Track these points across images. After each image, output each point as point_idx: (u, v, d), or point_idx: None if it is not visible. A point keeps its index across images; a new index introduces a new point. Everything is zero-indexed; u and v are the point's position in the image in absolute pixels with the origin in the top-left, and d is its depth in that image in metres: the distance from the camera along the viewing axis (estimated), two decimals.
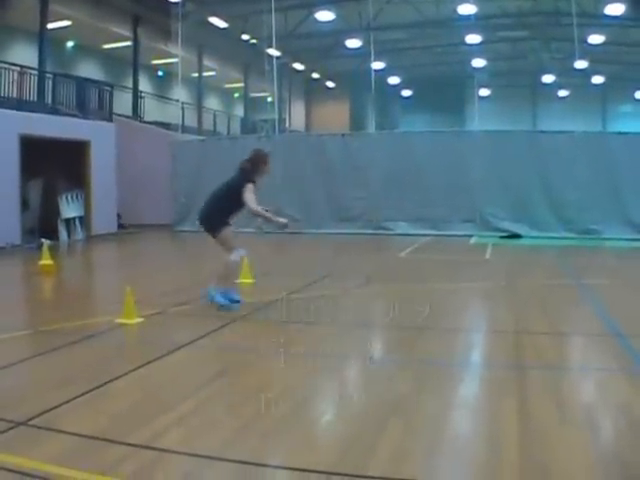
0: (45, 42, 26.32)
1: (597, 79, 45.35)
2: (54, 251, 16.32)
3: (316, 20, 34.94)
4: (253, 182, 9.88)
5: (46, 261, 14.17)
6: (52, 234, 20.80)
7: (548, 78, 45.75)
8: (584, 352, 7.86)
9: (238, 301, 9.93)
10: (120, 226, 24.97)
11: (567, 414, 5.34)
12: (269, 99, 37.39)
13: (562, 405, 5.53)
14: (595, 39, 34.39)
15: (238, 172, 10.10)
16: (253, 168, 10.07)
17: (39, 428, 4.93)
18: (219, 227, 9.77)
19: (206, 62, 40.67)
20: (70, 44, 32.48)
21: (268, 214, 10.08)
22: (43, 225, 21.40)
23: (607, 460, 4.50)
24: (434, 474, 4.32)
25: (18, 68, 22.99)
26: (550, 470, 4.23)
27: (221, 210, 9.85)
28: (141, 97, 34.04)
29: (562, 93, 47.31)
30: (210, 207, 9.93)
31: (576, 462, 4.37)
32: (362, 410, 5.58)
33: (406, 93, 54.50)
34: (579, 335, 8.67)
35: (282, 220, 10.14)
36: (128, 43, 33.60)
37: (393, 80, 49.33)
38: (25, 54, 26.60)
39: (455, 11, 33.19)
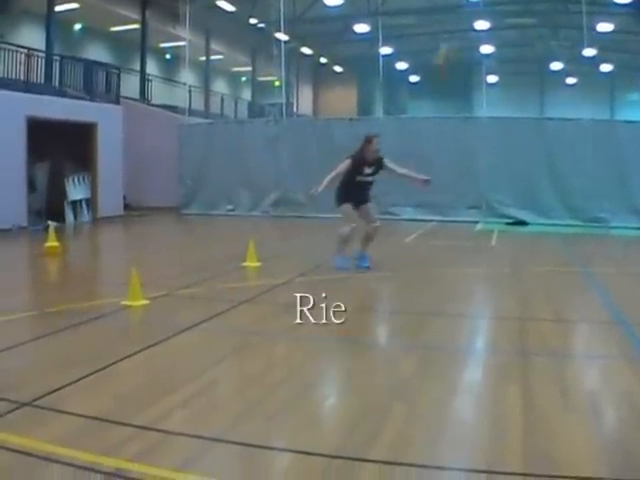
0: (53, 24, 26.29)
1: (605, 67, 45.16)
2: (60, 233, 16.34)
3: (324, 4, 34.81)
4: (351, 158, 11.61)
5: (52, 243, 14.18)
6: (58, 216, 20.81)
7: (556, 65, 45.56)
8: (588, 339, 7.86)
9: (366, 267, 11.91)
10: (126, 206, 24.96)
11: (571, 401, 5.35)
12: (277, 83, 37.30)
13: (566, 392, 5.53)
14: (604, 27, 34.19)
15: None
16: (361, 147, 11.73)
17: (43, 409, 4.95)
18: (337, 203, 11.82)
19: (214, 46, 40.59)
20: (78, 26, 32.41)
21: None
22: (50, 207, 21.41)
23: (610, 448, 4.50)
24: (437, 459, 4.32)
25: (26, 50, 22.96)
26: (553, 457, 4.23)
27: (337, 188, 11.75)
28: (148, 80, 33.99)
29: (570, 81, 47.09)
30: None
31: (579, 449, 4.37)
32: (366, 394, 5.59)
33: (414, 79, 54.33)
34: (584, 322, 8.66)
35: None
36: (136, 26, 33.54)
37: (401, 65, 49.21)
38: (33, 36, 26.57)
39: None
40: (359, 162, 11.55)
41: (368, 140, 11.72)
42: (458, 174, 22.57)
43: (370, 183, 11.86)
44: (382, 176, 11.94)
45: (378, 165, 11.71)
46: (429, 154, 22.69)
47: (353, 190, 11.61)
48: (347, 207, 11.70)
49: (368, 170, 11.62)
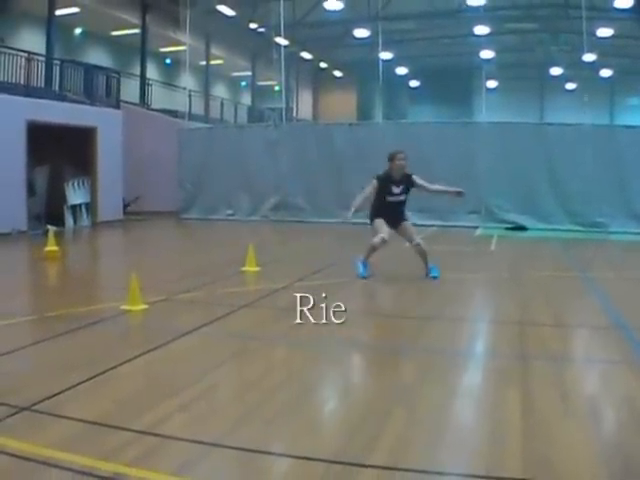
0: (53, 28, 26.32)
1: (605, 72, 45.18)
2: (60, 237, 16.35)
3: (324, 9, 34.86)
4: (376, 178, 11.73)
5: (52, 247, 14.18)
6: (58, 220, 20.84)
7: (556, 71, 45.61)
8: (588, 344, 7.85)
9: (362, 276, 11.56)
10: (126, 206, 24.96)
11: (570, 406, 5.34)
12: (276, 88, 37.34)
13: (565, 397, 5.52)
14: (604, 32, 34.22)
15: None
16: (389, 167, 11.75)
17: (42, 413, 4.94)
18: (370, 222, 11.83)
19: (214, 50, 40.62)
20: (78, 31, 32.45)
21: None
22: (49, 211, 21.43)
23: (610, 452, 4.50)
24: (437, 464, 4.31)
25: (26, 54, 22.96)
26: (553, 462, 4.23)
27: (370, 210, 11.85)
28: (149, 84, 34.03)
29: (570, 86, 47.12)
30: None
31: (579, 454, 4.36)
32: (365, 399, 5.59)
33: (414, 84, 54.36)
34: (583, 327, 8.66)
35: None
36: (136, 30, 33.58)
37: (401, 70, 49.23)
38: (33, 40, 26.59)
39: (464, 2, 33.15)
40: (386, 182, 11.54)
41: (391, 157, 11.67)
42: (458, 179, 22.38)
43: (402, 202, 11.80)
44: (415, 194, 11.91)
45: (407, 182, 11.64)
46: (429, 159, 22.66)
47: (386, 211, 11.60)
48: (379, 222, 11.60)
49: (397, 189, 11.57)
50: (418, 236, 12.00)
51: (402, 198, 11.69)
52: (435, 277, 11.54)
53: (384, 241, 11.40)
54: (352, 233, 20.87)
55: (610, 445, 4.67)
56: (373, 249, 11.56)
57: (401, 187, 11.56)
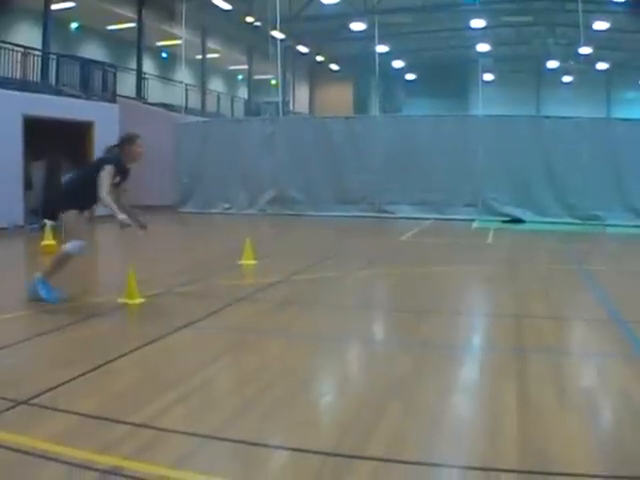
0: (49, 23, 26.23)
1: (601, 65, 45.23)
2: (57, 231, 16.32)
3: (320, 3, 34.82)
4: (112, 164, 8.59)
5: (49, 241, 14.17)
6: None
7: (552, 64, 45.67)
8: (585, 337, 7.87)
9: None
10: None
11: (567, 399, 5.36)
12: (273, 81, 37.36)
13: (562, 389, 5.54)
14: (600, 25, 34.26)
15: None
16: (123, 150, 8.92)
17: (40, 407, 4.95)
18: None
19: (210, 44, 40.57)
20: (74, 25, 32.34)
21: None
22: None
23: (606, 445, 4.51)
24: (433, 457, 4.32)
25: (22, 49, 22.93)
26: (549, 454, 4.24)
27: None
28: (145, 78, 33.98)
29: (566, 79, 47.19)
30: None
31: (575, 446, 4.38)
32: (362, 392, 5.60)
33: (410, 77, 54.44)
34: (580, 320, 8.68)
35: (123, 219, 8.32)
36: (132, 24, 33.48)
37: (397, 64, 49.22)
38: (29, 35, 26.53)
39: None
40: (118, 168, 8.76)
41: (130, 140, 9.01)
42: (454, 172, 22.60)
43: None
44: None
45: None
46: (425, 152, 22.77)
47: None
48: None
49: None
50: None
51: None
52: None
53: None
54: (349, 226, 20.95)
55: (606, 437, 4.69)
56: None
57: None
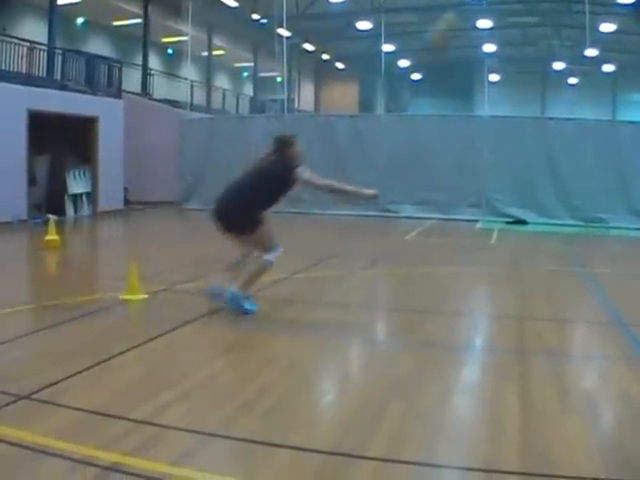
0: (55, 18, 26.20)
1: (608, 67, 45.16)
2: (60, 226, 16.34)
3: (327, 1, 34.82)
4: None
5: (52, 236, 14.16)
6: (59, 210, 20.80)
7: (558, 65, 45.57)
8: (587, 340, 7.87)
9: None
10: (126, 192, 24.94)
11: (568, 401, 5.36)
12: (278, 79, 37.31)
13: (564, 392, 5.54)
14: (606, 27, 34.24)
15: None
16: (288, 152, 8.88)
17: (41, 402, 4.95)
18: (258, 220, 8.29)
19: (216, 41, 40.54)
20: (80, 20, 32.36)
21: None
22: (50, 201, 21.40)
23: (608, 448, 4.51)
24: (435, 457, 4.33)
25: (28, 44, 22.92)
26: (550, 456, 4.24)
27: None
28: (150, 74, 33.96)
29: (572, 81, 47.08)
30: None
31: (577, 449, 4.38)
32: (364, 391, 5.60)
33: (416, 76, 54.36)
34: (582, 323, 8.67)
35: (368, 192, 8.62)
36: (138, 20, 33.47)
37: (403, 63, 49.21)
38: (35, 30, 26.53)
39: None
40: None
41: (290, 143, 9.04)
42: (459, 172, 22.55)
43: None
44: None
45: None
46: (430, 152, 22.73)
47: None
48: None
49: None
50: None
51: None
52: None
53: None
54: (353, 225, 20.94)
55: (608, 440, 4.69)
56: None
57: None
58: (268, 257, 8.16)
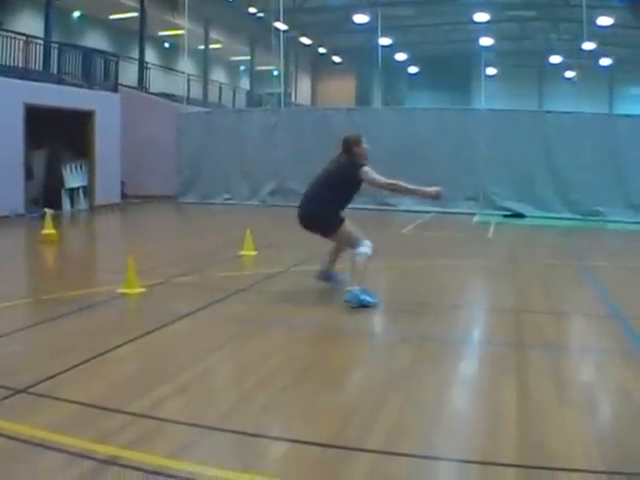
0: (52, 12, 26.15)
1: (605, 61, 45.12)
2: (57, 220, 16.31)
3: None
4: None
5: (49, 230, 14.15)
6: (55, 204, 20.78)
7: (555, 59, 45.52)
8: (584, 333, 7.87)
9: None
10: (123, 186, 24.91)
11: (566, 394, 5.36)
12: (275, 73, 37.27)
13: (561, 385, 5.54)
14: (604, 21, 34.17)
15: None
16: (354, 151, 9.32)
17: (38, 396, 4.95)
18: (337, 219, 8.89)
19: (213, 35, 40.50)
20: (77, 14, 32.33)
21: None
22: (47, 195, 21.39)
23: (604, 440, 4.51)
24: (432, 450, 4.33)
25: (24, 37, 22.85)
26: (547, 449, 4.24)
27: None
28: (147, 68, 33.88)
29: (569, 74, 47.09)
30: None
31: (573, 442, 4.38)
32: (362, 384, 5.61)
33: (413, 70, 54.33)
34: (580, 316, 8.67)
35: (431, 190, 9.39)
36: (135, 14, 33.40)
37: (400, 56, 49.13)
38: (31, 23, 26.52)
39: None
40: None
41: (358, 141, 9.45)
42: (456, 166, 22.52)
43: None
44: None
45: None
46: (427, 145, 22.72)
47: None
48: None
49: None
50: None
51: None
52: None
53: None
54: (350, 218, 20.91)
55: (605, 433, 4.70)
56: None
57: None
58: (358, 251, 8.59)
